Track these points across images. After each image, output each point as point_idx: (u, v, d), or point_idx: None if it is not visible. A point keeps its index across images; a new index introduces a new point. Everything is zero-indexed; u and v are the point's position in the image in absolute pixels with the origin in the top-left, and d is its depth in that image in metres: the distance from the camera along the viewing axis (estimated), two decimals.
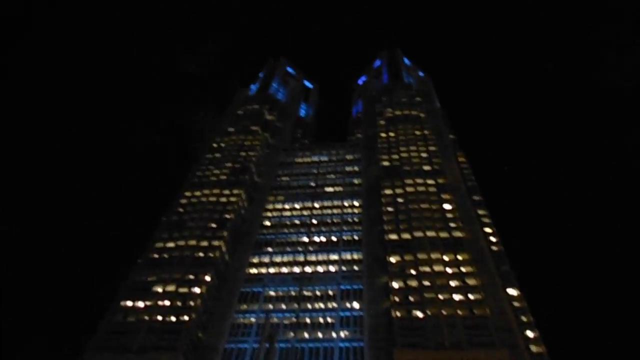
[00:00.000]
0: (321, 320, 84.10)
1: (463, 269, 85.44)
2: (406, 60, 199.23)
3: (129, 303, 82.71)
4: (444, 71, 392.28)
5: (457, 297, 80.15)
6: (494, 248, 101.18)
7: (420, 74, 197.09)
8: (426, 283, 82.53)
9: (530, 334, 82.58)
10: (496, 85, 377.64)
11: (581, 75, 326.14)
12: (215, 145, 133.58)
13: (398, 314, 77.86)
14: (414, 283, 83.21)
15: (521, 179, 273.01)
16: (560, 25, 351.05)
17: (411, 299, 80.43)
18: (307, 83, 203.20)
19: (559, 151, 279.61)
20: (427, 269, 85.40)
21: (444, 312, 76.88)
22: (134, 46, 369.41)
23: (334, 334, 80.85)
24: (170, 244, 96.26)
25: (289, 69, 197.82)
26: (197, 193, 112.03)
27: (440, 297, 79.86)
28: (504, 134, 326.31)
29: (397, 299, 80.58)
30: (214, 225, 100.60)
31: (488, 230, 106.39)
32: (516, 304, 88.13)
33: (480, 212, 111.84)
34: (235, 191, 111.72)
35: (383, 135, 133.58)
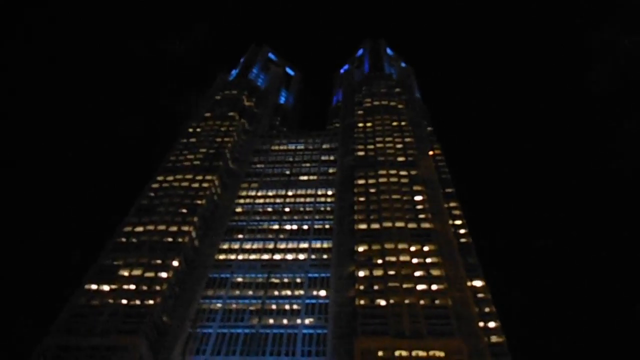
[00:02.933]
0: (287, 307, 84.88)
1: (428, 260, 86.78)
2: (389, 51, 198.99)
3: (94, 286, 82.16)
4: (427, 63, 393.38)
5: (420, 287, 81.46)
6: (463, 240, 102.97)
7: (403, 64, 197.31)
8: (391, 272, 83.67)
9: (491, 324, 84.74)
10: (479, 79, 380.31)
11: (567, 74, 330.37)
12: (191, 130, 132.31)
13: (362, 302, 78.93)
14: (379, 272, 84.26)
15: (497, 174, 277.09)
16: (548, 23, 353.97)
17: (375, 287, 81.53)
18: (289, 70, 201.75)
19: (538, 148, 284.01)
20: (393, 258, 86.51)
21: (407, 301, 78.13)
22: (118, 31, 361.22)
23: (298, 321, 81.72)
24: (139, 228, 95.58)
25: (271, 56, 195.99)
26: (170, 178, 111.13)
27: (404, 286, 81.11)
28: (484, 128, 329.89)
29: (361, 287, 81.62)
30: (184, 211, 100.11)
31: (458, 222, 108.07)
32: (480, 295, 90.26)
33: (452, 204, 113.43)
34: (208, 177, 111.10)
35: (360, 125, 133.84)
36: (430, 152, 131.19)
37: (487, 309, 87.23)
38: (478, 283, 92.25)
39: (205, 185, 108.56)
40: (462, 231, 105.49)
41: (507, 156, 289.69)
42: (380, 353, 69.15)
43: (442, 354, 68.64)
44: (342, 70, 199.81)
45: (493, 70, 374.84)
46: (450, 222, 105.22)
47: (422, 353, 69.06)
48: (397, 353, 69.38)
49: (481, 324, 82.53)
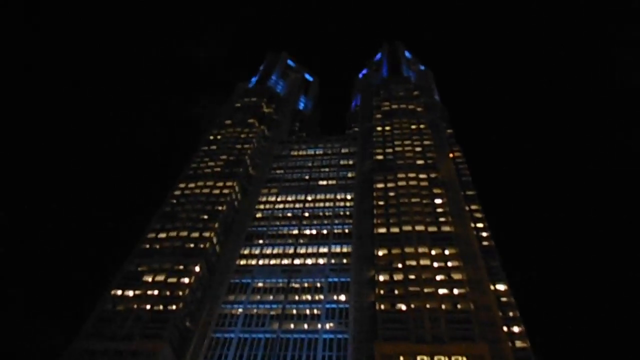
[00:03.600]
0: (307, 311, 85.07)
1: (449, 264, 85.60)
2: (407, 54, 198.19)
3: (119, 292, 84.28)
4: (446, 65, 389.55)
5: (441, 291, 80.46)
6: (485, 243, 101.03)
7: (421, 67, 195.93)
8: (412, 277, 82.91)
9: (516, 329, 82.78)
10: (499, 80, 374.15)
11: (589, 72, 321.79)
12: (211, 137, 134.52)
13: (382, 306, 78.43)
14: (399, 276, 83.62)
15: (519, 175, 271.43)
16: (570, 22, 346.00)
17: (396, 292, 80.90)
18: (307, 76, 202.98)
19: (558, 149, 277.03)
20: (414, 262, 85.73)
21: (428, 306, 77.26)
22: (138, 38, 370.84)
23: (319, 326, 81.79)
24: (162, 235, 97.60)
25: (290, 62, 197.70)
26: (191, 185, 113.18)
27: (425, 290, 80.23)
28: (504, 130, 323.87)
29: (382, 291, 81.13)
30: (205, 217, 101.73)
31: (480, 225, 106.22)
32: (503, 299, 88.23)
33: (473, 207, 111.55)
34: (229, 183, 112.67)
35: (379, 128, 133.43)
36: (450, 155, 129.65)
37: (511, 313, 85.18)
38: (501, 287, 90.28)
39: (225, 191, 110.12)
40: (484, 234, 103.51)
41: (530, 156, 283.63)
42: (401, 358, 68.51)
43: (463, 359, 67.63)
44: (360, 75, 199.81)
45: (513, 70, 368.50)
46: (472, 224, 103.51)
47: (443, 358, 68.18)
48: (418, 358, 68.58)
49: (505, 328, 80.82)
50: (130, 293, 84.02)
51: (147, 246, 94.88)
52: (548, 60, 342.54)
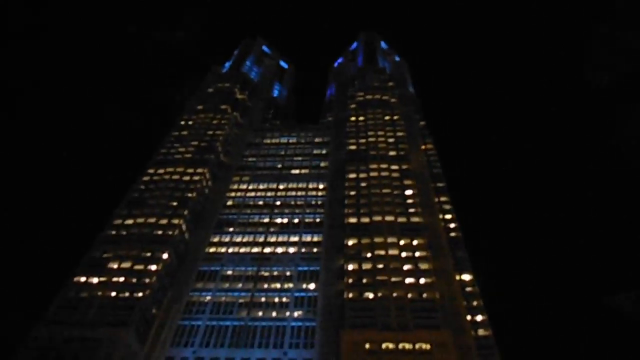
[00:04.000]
0: (276, 299, 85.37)
1: (417, 254, 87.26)
2: (383, 44, 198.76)
3: (83, 279, 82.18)
4: (422, 57, 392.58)
5: (408, 280, 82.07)
6: (452, 234, 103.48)
7: (397, 58, 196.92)
8: (380, 266, 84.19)
9: (479, 317, 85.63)
10: (474, 73, 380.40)
11: (565, 67, 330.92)
12: (182, 122, 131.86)
13: (350, 295, 79.46)
14: (368, 266, 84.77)
15: (490, 168, 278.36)
16: (545, 16, 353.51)
17: (364, 280, 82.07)
18: (283, 63, 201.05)
19: (532, 142, 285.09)
20: (382, 252, 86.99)
21: (395, 294, 78.74)
22: (112, 20, 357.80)
23: (287, 314, 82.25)
24: (130, 221, 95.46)
25: (265, 48, 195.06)
26: (161, 171, 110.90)
27: (393, 279, 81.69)
28: (477, 122, 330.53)
29: (350, 280, 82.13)
30: (174, 204, 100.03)
31: (448, 217, 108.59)
32: (468, 289, 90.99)
33: (443, 199, 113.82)
34: (199, 170, 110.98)
35: (352, 119, 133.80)
36: (423, 147, 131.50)
37: (475, 303, 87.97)
38: (467, 277, 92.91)
39: (196, 178, 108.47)
40: (452, 225, 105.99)
41: (501, 151, 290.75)
42: (367, 345, 69.79)
43: (428, 346, 69.41)
44: (336, 64, 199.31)
45: (488, 64, 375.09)
46: (441, 216, 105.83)
47: (408, 345, 69.79)
48: (383, 345, 70.04)
49: (469, 317, 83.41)
50: (95, 280, 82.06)
51: (114, 232, 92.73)
52: (524, 53, 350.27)
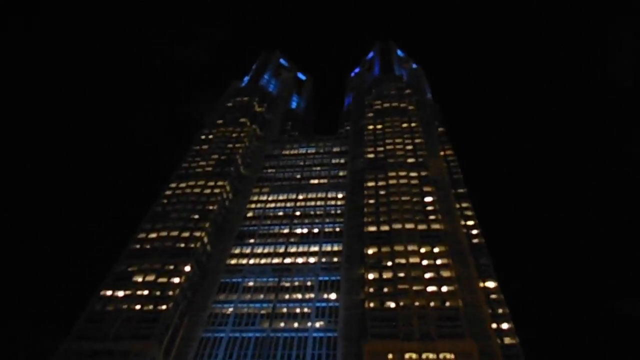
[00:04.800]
0: (297, 310, 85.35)
1: (438, 261, 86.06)
2: (400, 52, 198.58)
3: (109, 292, 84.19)
4: (439, 63, 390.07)
5: (430, 288, 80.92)
6: (475, 241, 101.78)
7: (414, 65, 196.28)
8: (401, 274, 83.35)
9: (505, 325, 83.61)
10: (492, 78, 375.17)
11: (586, 69, 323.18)
12: (203, 137, 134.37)
13: (371, 304, 78.84)
14: (388, 274, 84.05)
15: (511, 174, 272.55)
16: (566, 21, 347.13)
17: (385, 290, 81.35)
18: (300, 75, 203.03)
19: (552, 148, 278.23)
20: (403, 260, 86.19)
21: (417, 304, 77.72)
22: (133, 38, 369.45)
23: (309, 324, 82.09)
24: (153, 235, 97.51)
25: (282, 61, 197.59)
26: (182, 184, 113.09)
27: (414, 288, 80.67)
28: (498, 127, 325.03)
29: (371, 290, 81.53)
30: (196, 217, 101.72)
31: (470, 223, 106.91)
32: (493, 296, 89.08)
33: (464, 205, 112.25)
34: (220, 183, 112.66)
35: (370, 127, 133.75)
36: (442, 153, 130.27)
37: (500, 310, 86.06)
38: (491, 284, 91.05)
39: (216, 191, 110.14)
40: (474, 232, 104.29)
41: (523, 155, 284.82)
42: (389, 356, 69.03)
43: (452, 355, 68.19)
44: (352, 73, 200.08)
45: (507, 68, 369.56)
46: (462, 222, 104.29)
47: (431, 355, 68.71)
48: (406, 356, 69.14)
49: (494, 325, 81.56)
50: (120, 293, 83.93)
51: (138, 246, 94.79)
52: (543, 59, 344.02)
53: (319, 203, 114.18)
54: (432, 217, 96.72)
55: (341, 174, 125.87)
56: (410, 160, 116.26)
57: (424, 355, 68.78)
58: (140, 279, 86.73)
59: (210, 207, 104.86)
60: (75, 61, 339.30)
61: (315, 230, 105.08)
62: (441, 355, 68.62)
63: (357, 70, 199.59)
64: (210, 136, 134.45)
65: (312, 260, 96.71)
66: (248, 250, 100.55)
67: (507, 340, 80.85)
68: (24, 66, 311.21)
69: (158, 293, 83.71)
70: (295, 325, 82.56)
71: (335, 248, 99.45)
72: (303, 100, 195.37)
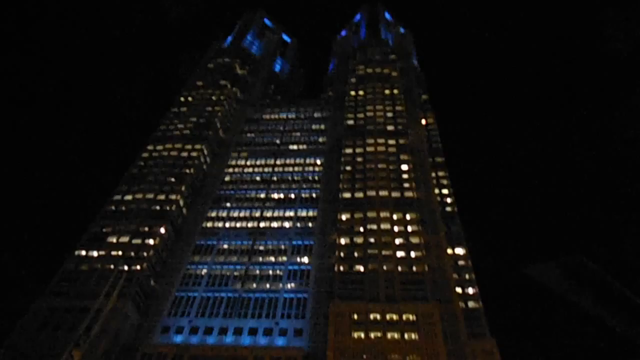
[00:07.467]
0: (270, 272, 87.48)
1: (409, 228, 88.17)
2: (388, 16, 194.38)
3: (83, 252, 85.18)
4: (430, 28, 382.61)
5: (399, 254, 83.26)
6: (448, 209, 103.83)
7: (402, 30, 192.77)
8: (371, 240, 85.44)
9: (470, 290, 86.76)
10: (482, 45, 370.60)
11: (574, 41, 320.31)
12: (182, 99, 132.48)
13: (341, 268, 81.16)
14: (360, 240, 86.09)
15: (493, 143, 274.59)
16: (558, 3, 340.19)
17: (355, 254, 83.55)
18: (285, 37, 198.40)
19: (532, 124, 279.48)
20: (374, 226, 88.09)
21: (385, 268, 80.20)
22: None
23: (280, 286, 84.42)
24: (129, 197, 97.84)
25: (267, 22, 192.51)
26: (160, 147, 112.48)
27: (383, 253, 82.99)
28: (484, 96, 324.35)
29: (342, 254, 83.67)
30: (173, 180, 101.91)
31: (445, 191, 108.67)
32: (461, 262, 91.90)
33: (440, 173, 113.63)
34: (197, 146, 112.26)
35: (352, 93, 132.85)
36: (423, 121, 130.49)
37: (467, 276, 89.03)
38: (460, 251, 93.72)
39: (194, 154, 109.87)
40: (448, 200, 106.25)
41: (506, 125, 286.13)
42: (355, 316, 71.80)
43: (414, 317, 71.12)
44: (339, 37, 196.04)
45: (497, 36, 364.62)
46: (437, 191, 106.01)
47: (395, 316, 71.62)
48: (371, 316, 71.98)
49: (460, 290, 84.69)
50: (95, 253, 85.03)
51: (113, 208, 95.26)
52: (535, 24, 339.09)
53: (296, 169, 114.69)
54: (406, 185, 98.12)
55: (321, 140, 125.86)
56: (390, 127, 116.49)
57: (387, 316, 71.68)
58: (114, 240, 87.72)
59: (187, 171, 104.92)
60: (52, 20, 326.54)
61: (292, 196, 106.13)
62: (404, 317, 71.57)
63: (343, 33, 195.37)
64: (190, 98, 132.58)
65: (287, 224, 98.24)
66: (224, 214, 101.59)
67: (471, 304, 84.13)
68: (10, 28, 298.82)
69: (132, 254, 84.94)
70: (267, 286, 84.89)
71: (311, 214, 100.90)
72: (287, 64, 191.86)
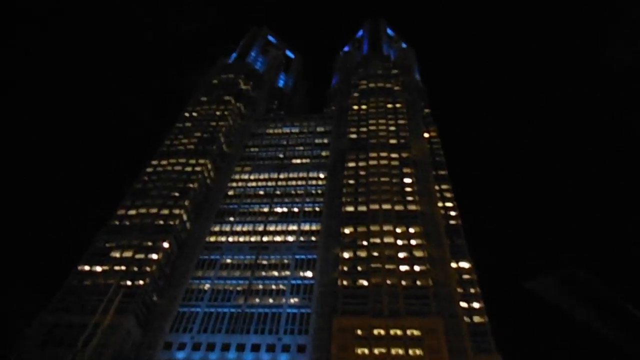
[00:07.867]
0: (273, 287, 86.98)
1: (413, 242, 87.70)
2: (390, 31, 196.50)
3: (86, 267, 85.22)
4: (432, 43, 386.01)
5: (403, 268, 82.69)
6: (452, 222, 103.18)
7: (404, 45, 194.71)
8: (375, 254, 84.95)
9: (475, 305, 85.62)
10: (484, 60, 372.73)
11: (578, 53, 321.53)
12: (187, 114, 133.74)
13: (344, 282, 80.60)
14: (363, 253, 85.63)
15: (497, 156, 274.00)
16: (558, 9, 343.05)
17: (359, 268, 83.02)
18: (289, 53, 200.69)
19: (537, 135, 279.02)
20: (378, 240, 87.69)
21: (388, 282, 79.53)
22: (122, 11, 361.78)
23: (283, 300, 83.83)
24: (132, 212, 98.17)
25: (271, 38, 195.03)
26: (164, 162, 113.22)
27: (386, 267, 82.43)
28: (486, 110, 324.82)
29: (345, 268, 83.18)
30: (176, 194, 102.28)
31: (448, 204, 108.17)
32: (466, 276, 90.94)
33: (444, 186, 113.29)
34: (201, 161, 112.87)
35: (355, 107, 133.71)
36: (426, 135, 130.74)
37: (472, 290, 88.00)
38: (464, 264, 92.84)
39: (198, 169, 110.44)
40: (452, 213, 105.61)
41: (509, 138, 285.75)
42: (358, 331, 71.01)
43: (418, 332, 70.24)
44: (341, 52, 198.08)
45: (497, 51, 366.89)
46: (441, 204, 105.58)
47: (399, 331, 70.77)
48: (375, 332, 71.16)
49: (465, 304, 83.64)
50: (98, 269, 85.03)
51: (117, 222, 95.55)
52: (537, 40, 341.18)
53: (300, 183, 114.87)
54: (409, 198, 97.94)
55: (324, 154, 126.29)
56: (392, 141, 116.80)
57: (391, 331, 70.84)
58: (118, 255, 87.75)
59: (191, 185, 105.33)
60: (63, 34, 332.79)
61: (295, 210, 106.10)
62: (408, 332, 70.70)
63: (346, 49, 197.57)
64: (194, 114, 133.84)
65: (290, 238, 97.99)
66: (227, 228, 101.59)
67: (476, 319, 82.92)
68: (5, 36, 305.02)
69: (135, 269, 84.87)
70: (270, 301, 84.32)
71: (314, 227, 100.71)
72: (291, 79, 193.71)
